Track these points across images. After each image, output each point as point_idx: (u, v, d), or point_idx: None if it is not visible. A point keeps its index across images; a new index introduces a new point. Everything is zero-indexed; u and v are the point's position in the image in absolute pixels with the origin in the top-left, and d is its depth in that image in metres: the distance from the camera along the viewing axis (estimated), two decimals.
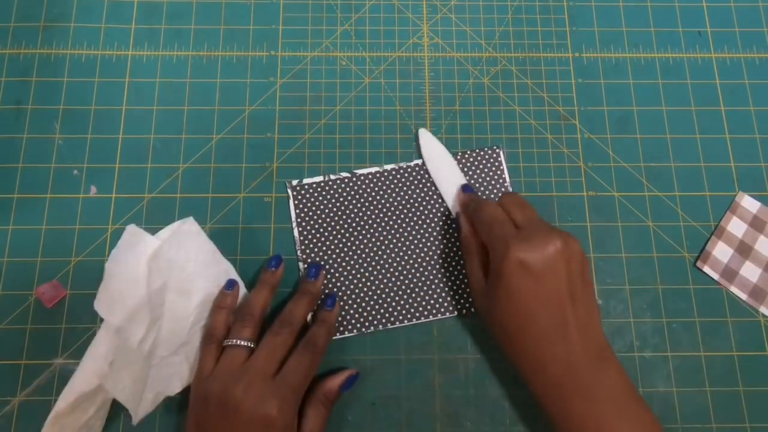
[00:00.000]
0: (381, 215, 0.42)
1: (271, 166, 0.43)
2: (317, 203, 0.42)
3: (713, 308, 0.41)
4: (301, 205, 0.42)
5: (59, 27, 0.46)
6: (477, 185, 0.43)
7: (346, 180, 0.43)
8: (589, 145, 0.44)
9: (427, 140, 0.43)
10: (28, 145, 0.43)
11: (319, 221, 0.42)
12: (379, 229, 0.42)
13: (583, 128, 0.45)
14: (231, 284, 0.38)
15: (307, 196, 0.42)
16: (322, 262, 0.41)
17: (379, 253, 0.41)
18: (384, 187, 0.43)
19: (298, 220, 0.42)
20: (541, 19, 0.47)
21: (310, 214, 0.42)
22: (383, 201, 0.42)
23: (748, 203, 0.43)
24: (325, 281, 0.41)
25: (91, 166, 0.43)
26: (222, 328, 0.36)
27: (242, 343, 0.35)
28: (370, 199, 0.42)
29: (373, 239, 0.41)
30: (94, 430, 0.36)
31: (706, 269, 0.41)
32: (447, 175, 0.42)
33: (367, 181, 0.43)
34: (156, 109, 0.44)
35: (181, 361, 0.36)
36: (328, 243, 0.41)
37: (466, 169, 0.43)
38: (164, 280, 0.36)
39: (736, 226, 0.42)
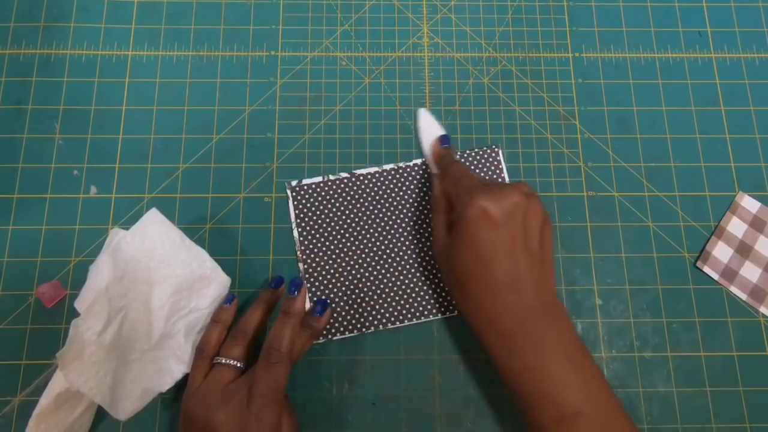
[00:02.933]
0: (380, 215, 0.42)
1: (271, 166, 0.43)
2: (317, 204, 0.42)
3: (713, 308, 0.41)
4: (300, 206, 0.42)
5: (59, 27, 0.46)
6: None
7: (345, 180, 0.43)
8: (589, 145, 0.44)
9: (424, 117, 0.44)
10: (28, 145, 0.43)
11: (319, 222, 0.42)
12: (379, 229, 0.42)
13: (583, 128, 0.45)
14: (230, 299, 0.38)
15: (306, 196, 0.42)
16: (322, 263, 0.41)
17: (379, 253, 0.41)
18: (383, 187, 0.43)
19: (298, 220, 0.42)
20: (541, 19, 0.47)
21: (309, 214, 0.42)
22: (383, 201, 0.42)
23: (748, 203, 0.43)
24: (326, 282, 0.41)
25: (91, 166, 0.43)
26: (214, 343, 0.36)
27: (231, 362, 0.35)
28: (369, 199, 0.42)
29: (373, 239, 0.41)
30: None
31: (706, 269, 0.41)
32: (428, 131, 0.43)
33: (366, 182, 0.43)
34: (156, 109, 0.44)
35: (168, 356, 0.36)
36: (327, 243, 0.41)
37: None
38: (126, 271, 0.36)
39: (736, 226, 0.42)
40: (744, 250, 0.42)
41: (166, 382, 0.35)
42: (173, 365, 0.36)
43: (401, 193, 0.42)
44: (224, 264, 0.38)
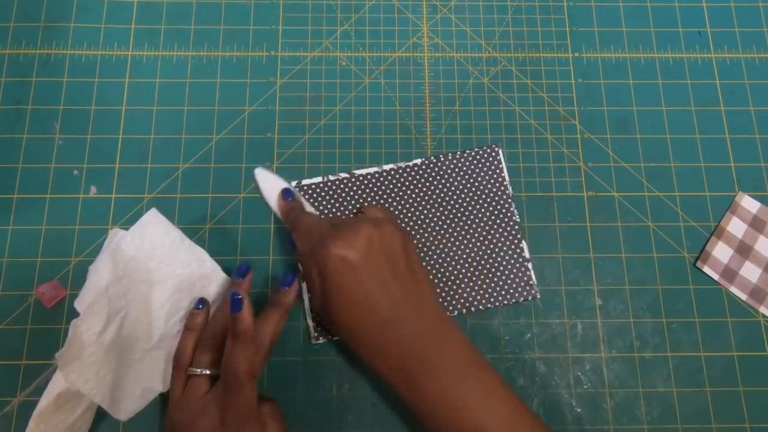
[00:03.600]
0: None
1: (271, 166, 0.43)
2: (316, 204, 0.42)
3: (713, 308, 0.41)
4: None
5: (59, 27, 0.46)
6: (477, 184, 0.43)
7: (345, 180, 0.43)
8: (589, 145, 0.44)
9: (261, 176, 0.42)
10: (28, 145, 0.43)
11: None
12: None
13: (583, 128, 0.45)
14: (200, 303, 0.37)
15: (306, 197, 0.42)
16: None
17: None
18: (383, 188, 0.43)
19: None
20: (541, 19, 0.47)
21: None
22: (382, 201, 0.42)
23: (748, 203, 0.43)
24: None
25: (91, 166, 0.43)
26: (189, 351, 0.35)
27: (202, 371, 0.34)
28: (369, 199, 0.42)
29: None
30: None
31: (706, 269, 0.41)
32: (271, 189, 0.41)
33: (366, 182, 0.43)
34: (156, 109, 0.44)
35: (162, 357, 0.36)
36: None
37: (465, 168, 0.43)
38: (126, 271, 0.36)
39: (736, 226, 0.42)
40: (744, 250, 0.42)
41: (166, 383, 0.35)
42: (168, 368, 0.36)
43: (401, 193, 0.42)
44: (224, 264, 0.38)
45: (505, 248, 0.41)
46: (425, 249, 0.41)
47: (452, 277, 0.41)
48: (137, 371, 0.35)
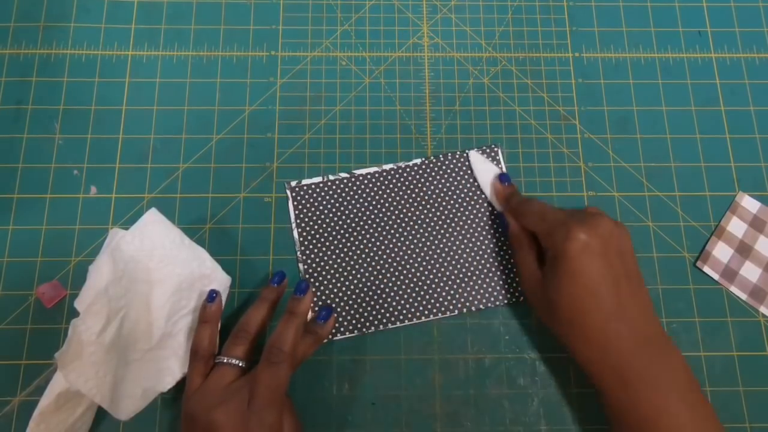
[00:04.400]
0: (380, 215, 0.42)
1: (271, 166, 0.43)
2: (316, 204, 0.42)
3: (713, 308, 0.41)
4: (300, 206, 0.42)
5: (59, 27, 0.46)
6: (477, 184, 0.43)
7: (345, 180, 0.43)
8: (589, 145, 0.44)
9: (475, 158, 0.43)
10: (28, 145, 0.43)
11: (319, 222, 0.42)
12: (379, 229, 0.42)
13: (583, 128, 0.45)
14: (212, 296, 0.37)
15: (306, 196, 0.42)
16: (322, 263, 0.41)
17: (379, 253, 0.41)
18: (383, 187, 0.43)
19: (297, 221, 0.42)
20: (541, 19, 0.47)
21: (309, 215, 0.42)
22: (382, 201, 0.42)
23: (748, 203, 0.43)
24: (326, 282, 0.41)
25: (91, 166, 0.43)
26: (207, 343, 0.36)
27: (233, 361, 0.35)
28: (369, 199, 0.42)
29: (373, 239, 0.41)
30: None
31: (706, 269, 0.41)
32: (484, 171, 0.42)
33: (366, 182, 0.43)
34: (156, 109, 0.44)
35: (169, 356, 0.36)
36: (327, 244, 0.41)
37: (465, 168, 0.43)
38: (125, 271, 0.36)
39: (736, 226, 0.42)
40: (744, 250, 0.42)
41: (168, 382, 0.35)
42: (174, 365, 0.36)
43: (401, 193, 0.42)
44: (224, 264, 0.38)
45: (505, 247, 0.41)
46: (425, 249, 0.41)
47: (452, 277, 0.41)
48: (138, 371, 0.35)
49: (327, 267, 0.41)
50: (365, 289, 0.40)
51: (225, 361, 0.35)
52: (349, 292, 0.40)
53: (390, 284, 0.40)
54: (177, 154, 0.43)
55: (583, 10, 0.48)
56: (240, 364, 0.35)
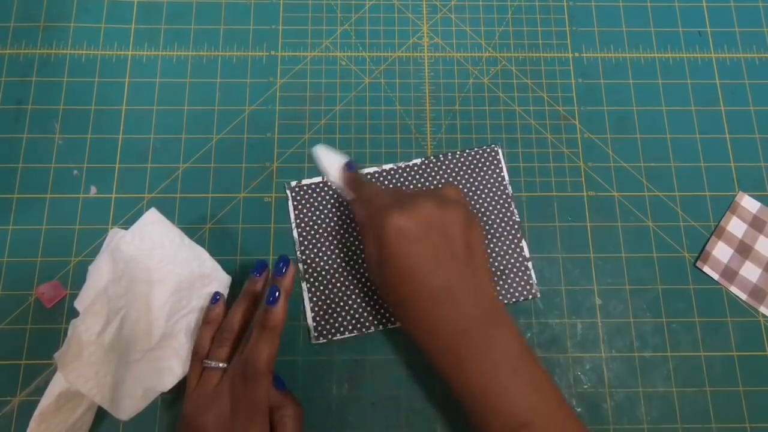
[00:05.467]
0: None
1: (271, 166, 0.43)
2: (316, 204, 0.42)
3: (713, 308, 0.41)
4: (300, 206, 0.42)
5: (59, 27, 0.46)
6: (477, 183, 0.43)
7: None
8: (589, 145, 0.44)
9: (321, 151, 0.40)
10: (28, 145, 0.43)
11: (318, 222, 0.42)
12: None
13: (583, 128, 0.45)
14: (215, 298, 0.37)
15: (306, 196, 0.42)
16: (322, 263, 0.41)
17: None
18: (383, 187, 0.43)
19: (297, 221, 0.42)
20: (541, 19, 0.47)
21: (309, 214, 0.42)
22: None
23: (748, 203, 0.43)
24: (325, 282, 0.41)
25: (91, 166, 0.43)
26: (207, 344, 0.36)
27: (216, 365, 0.35)
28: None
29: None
30: None
31: (706, 269, 0.41)
32: (330, 162, 0.39)
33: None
34: (156, 109, 0.44)
35: (170, 356, 0.36)
36: (327, 243, 0.41)
37: (465, 168, 0.43)
38: (125, 271, 0.36)
39: (736, 226, 0.42)
40: (744, 250, 0.42)
41: (168, 382, 0.35)
42: (175, 364, 0.36)
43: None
44: (224, 264, 0.38)
45: (505, 247, 0.41)
46: None
47: None
48: (138, 371, 0.35)
49: (326, 266, 0.41)
50: (365, 288, 0.40)
51: (211, 365, 0.35)
52: (348, 292, 0.40)
53: None
54: (177, 154, 0.43)
55: (583, 10, 0.48)
56: (222, 365, 0.34)
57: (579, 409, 0.38)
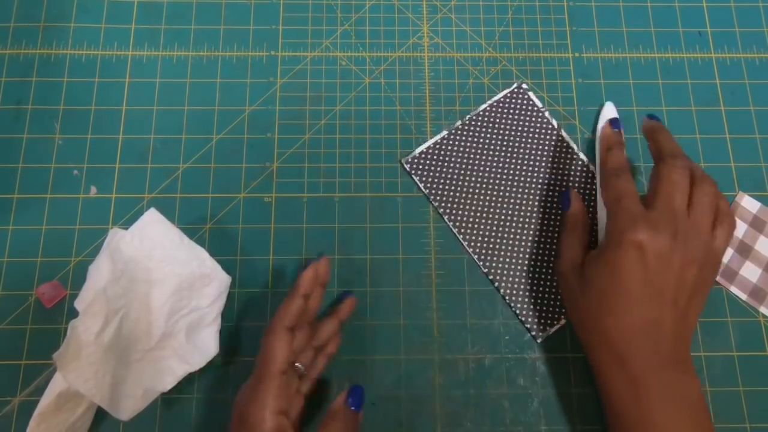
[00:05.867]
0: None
1: (271, 166, 0.43)
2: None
3: (713, 308, 0.41)
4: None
5: (59, 27, 0.46)
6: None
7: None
8: (589, 145, 0.44)
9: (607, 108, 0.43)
10: (28, 145, 0.43)
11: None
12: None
13: (583, 128, 0.45)
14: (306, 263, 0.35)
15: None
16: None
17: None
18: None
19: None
20: (541, 19, 0.47)
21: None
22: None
23: (748, 203, 0.43)
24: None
25: (91, 166, 0.43)
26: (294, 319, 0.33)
27: (303, 371, 0.35)
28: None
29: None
30: None
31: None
32: (604, 116, 0.42)
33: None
34: (156, 109, 0.44)
35: (170, 356, 0.36)
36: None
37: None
38: (125, 271, 0.36)
39: (736, 226, 0.42)
40: (744, 250, 0.42)
41: (168, 382, 0.35)
42: (175, 365, 0.36)
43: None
44: (224, 264, 0.38)
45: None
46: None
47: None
48: (138, 371, 0.35)
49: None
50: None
51: (300, 368, 0.35)
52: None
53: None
54: (177, 154, 0.43)
55: (583, 10, 0.48)
56: (303, 372, 0.35)
57: (579, 410, 0.38)
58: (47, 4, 0.47)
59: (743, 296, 0.41)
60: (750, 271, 0.41)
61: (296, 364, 0.34)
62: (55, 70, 0.45)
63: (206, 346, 0.36)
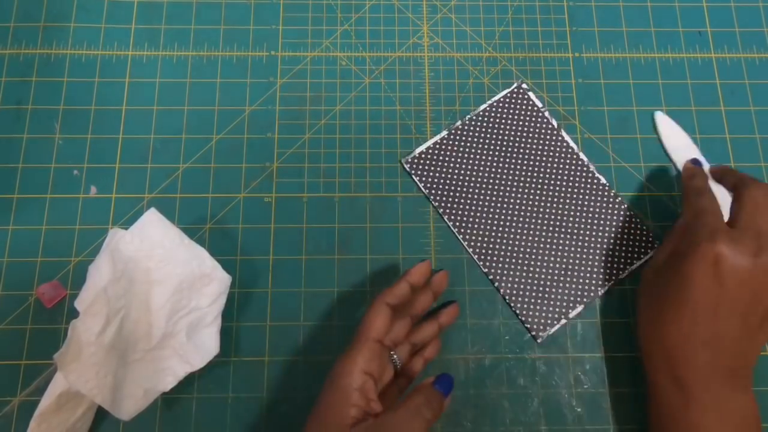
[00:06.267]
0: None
1: (271, 166, 0.43)
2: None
3: None
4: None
5: (59, 27, 0.46)
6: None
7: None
8: (589, 145, 0.44)
9: (664, 121, 0.44)
10: (28, 145, 0.43)
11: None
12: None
13: (583, 128, 0.45)
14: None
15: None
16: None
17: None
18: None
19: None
20: (541, 19, 0.47)
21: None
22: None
23: None
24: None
25: (91, 166, 0.43)
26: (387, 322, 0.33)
27: (398, 362, 0.35)
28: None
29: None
30: None
31: None
32: (676, 144, 0.43)
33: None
34: (156, 109, 0.44)
35: (170, 356, 0.36)
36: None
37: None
38: (125, 271, 0.36)
39: None
40: None
41: (169, 382, 0.35)
42: (176, 364, 0.36)
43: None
44: (224, 264, 0.38)
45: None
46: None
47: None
48: (139, 371, 0.35)
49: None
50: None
51: (395, 359, 0.35)
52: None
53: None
54: (177, 154, 0.43)
55: (583, 10, 0.48)
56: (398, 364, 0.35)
57: (579, 410, 0.38)
58: (47, 4, 0.47)
59: None
60: None
61: (392, 353, 0.35)
62: (55, 70, 0.45)
63: (207, 346, 0.36)
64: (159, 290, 0.36)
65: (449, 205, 0.42)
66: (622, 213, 0.42)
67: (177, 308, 0.36)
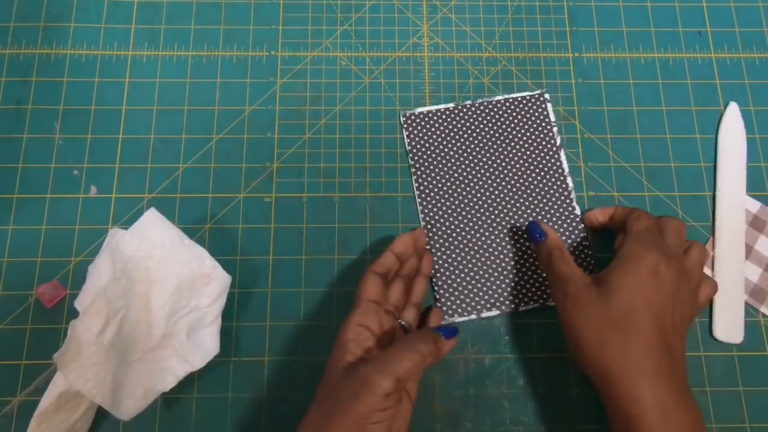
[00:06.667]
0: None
1: (271, 166, 0.43)
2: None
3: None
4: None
5: (59, 27, 0.46)
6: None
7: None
8: (589, 145, 0.44)
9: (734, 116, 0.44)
10: (28, 145, 0.43)
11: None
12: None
13: (583, 128, 0.45)
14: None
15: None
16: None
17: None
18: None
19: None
20: (541, 19, 0.47)
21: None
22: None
23: (748, 203, 0.43)
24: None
25: (91, 166, 0.43)
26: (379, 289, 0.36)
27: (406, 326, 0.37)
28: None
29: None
30: None
31: (706, 269, 0.41)
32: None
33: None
34: (156, 109, 0.44)
35: (170, 356, 0.36)
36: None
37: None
38: (125, 271, 0.36)
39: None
40: (744, 250, 0.42)
41: (169, 382, 0.35)
42: (176, 364, 0.36)
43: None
44: (224, 264, 0.38)
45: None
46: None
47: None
48: (139, 371, 0.35)
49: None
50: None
51: (403, 324, 0.37)
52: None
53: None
54: (177, 154, 0.43)
55: (583, 10, 0.48)
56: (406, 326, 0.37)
57: (579, 410, 0.38)
58: (47, 4, 0.47)
59: (744, 296, 0.41)
60: (750, 271, 0.41)
61: (400, 321, 0.37)
62: (55, 70, 0.45)
63: (207, 345, 0.36)
64: (159, 290, 0.36)
65: (424, 172, 0.43)
66: (579, 245, 0.41)
67: (177, 308, 0.36)
